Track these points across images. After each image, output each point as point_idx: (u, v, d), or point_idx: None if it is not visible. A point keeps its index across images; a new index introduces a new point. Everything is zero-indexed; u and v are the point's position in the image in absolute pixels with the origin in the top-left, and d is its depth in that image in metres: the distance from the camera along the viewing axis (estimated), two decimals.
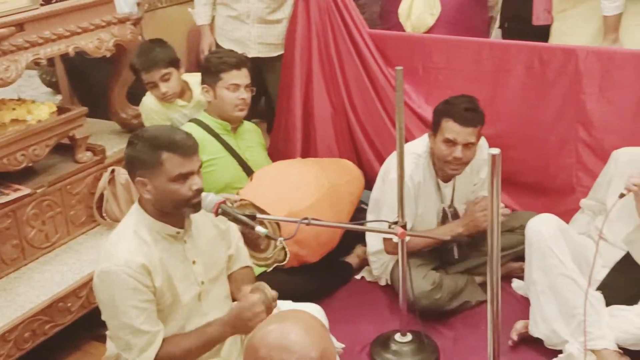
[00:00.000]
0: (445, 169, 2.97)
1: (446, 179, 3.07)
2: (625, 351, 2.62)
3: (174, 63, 3.34)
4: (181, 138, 2.10)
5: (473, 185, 3.17)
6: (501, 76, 3.28)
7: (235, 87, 3.13)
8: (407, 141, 2.78)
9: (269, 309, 2.10)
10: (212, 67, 3.15)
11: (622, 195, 2.55)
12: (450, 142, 2.87)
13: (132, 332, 2.06)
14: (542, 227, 2.73)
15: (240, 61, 3.17)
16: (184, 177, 2.09)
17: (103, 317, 2.15)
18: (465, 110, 2.86)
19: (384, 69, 3.52)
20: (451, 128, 2.85)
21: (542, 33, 3.52)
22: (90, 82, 3.65)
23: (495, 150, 1.63)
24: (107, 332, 2.20)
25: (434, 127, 2.94)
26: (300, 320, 1.48)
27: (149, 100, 3.40)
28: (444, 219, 3.09)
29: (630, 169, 2.69)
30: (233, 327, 2.12)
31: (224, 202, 2.15)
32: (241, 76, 3.14)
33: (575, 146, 3.20)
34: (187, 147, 2.09)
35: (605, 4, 3.20)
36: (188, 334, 2.16)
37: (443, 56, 3.40)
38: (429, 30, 3.69)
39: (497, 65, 3.28)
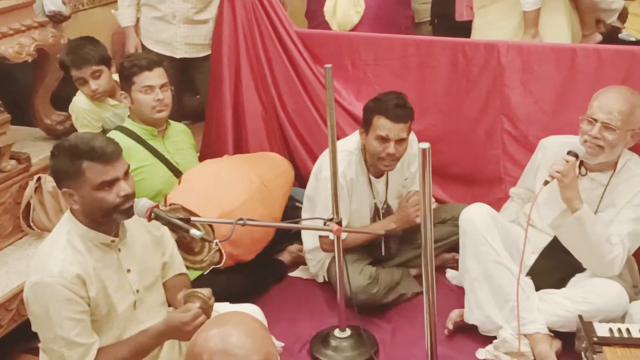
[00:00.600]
0: (378, 165, 3.01)
1: (378, 175, 3.11)
2: (555, 334, 2.72)
3: (105, 61, 3.28)
4: (101, 145, 2.05)
5: (404, 180, 3.22)
6: (427, 72, 3.34)
7: (150, 89, 3.06)
8: (338, 138, 2.81)
9: (207, 311, 2.09)
10: (125, 72, 3.07)
11: (546, 183, 2.63)
12: (383, 139, 2.91)
13: (66, 345, 2.01)
14: (475, 216, 2.79)
15: (151, 62, 3.08)
16: (108, 184, 2.04)
17: (35, 329, 2.08)
18: (396, 107, 2.90)
19: (312, 67, 3.54)
20: (383, 125, 2.89)
21: (469, 29, 3.61)
22: (12, 88, 3.52)
23: (425, 145, 1.67)
24: (40, 345, 2.14)
25: (365, 125, 2.97)
26: (241, 323, 1.47)
27: (80, 100, 3.31)
28: (376, 215, 3.13)
29: (556, 157, 2.78)
30: (170, 335, 2.11)
31: (157, 207, 2.12)
32: (154, 77, 3.06)
33: (501, 137, 3.29)
34: (107, 154, 2.04)
35: None
36: (122, 343, 2.13)
37: (371, 53, 3.44)
38: (354, 28, 3.72)
39: (423, 61, 3.34)
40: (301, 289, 3.27)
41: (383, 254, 3.11)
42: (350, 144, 3.05)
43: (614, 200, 2.76)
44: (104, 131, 3.25)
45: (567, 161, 2.63)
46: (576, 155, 2.66)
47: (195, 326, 2.02)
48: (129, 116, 3.18)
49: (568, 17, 3.43)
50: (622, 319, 2.63)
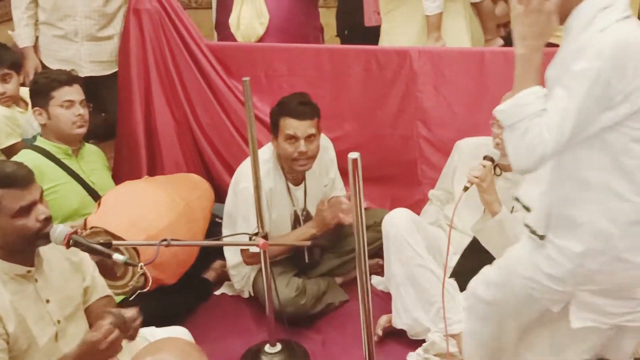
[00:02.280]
0: (294, 167, 2.99)
1: (297, 182, 3.10)
2: None
3: (16, 66, 3.23)
4: (13, 170, 1.96)
5: (324, 187, 3.22)
6: (342, 80, 3.37)
7: (70, 104, 2.97)
8: None
9: (124, 330, 2.00)
10: (41, 88, 2.98)
11: (466, 189, 2.68)
12: (292, 138, 2.91)
13: None
14: (397, 221, 2.82)
15: (71, 77, 3.03)
16: (27, 209, 1.95)
17: None
18: (299, 105, 2.93)
19: (226, 80, 3.49)
20: (289, 124, 2.90)
21: (377, 35, 3.64)
22: None
23: (355, 154, 1.65)
24: None
25: (274, 130, 2.97)
26: (175, 349, 1.42)
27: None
28: (297, 222, 3.12)
29: (472, 158, 2.85)
30: (87, 357, 1.99)
31: (75, 233, 2.02)
32: (74, 92, 2.99)
33: (417, 142, 3.35)
34: (21, 178, 1.95)
35: (426, 3, 3.33)
36: None
37: (284, 64, 3.43)
38: (261, 40, 3.67)
39: (338, 69, 3.36)
40: (228, 306, 3.20)
41: (307, 261, 3.10)
42: (265, 153, 3.03)
43: None
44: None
45: (484, 166, 2.69)
46: (492, 159, 2.73)
47: (109, 343, 1.94)
48: (41, 135, 3.06)
49: (468, 22, 3.52)
50: None
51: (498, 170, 2.87)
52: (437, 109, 3.27)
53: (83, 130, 3.04)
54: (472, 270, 2.86)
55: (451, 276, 2.89)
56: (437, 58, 3.20)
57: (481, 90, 3.16)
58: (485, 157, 2.73)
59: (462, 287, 2.83)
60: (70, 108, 2.97)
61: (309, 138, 2.94)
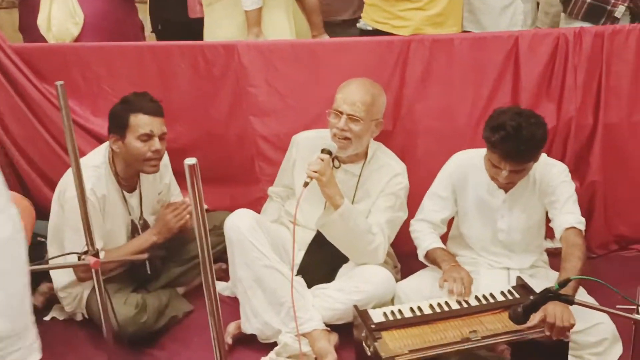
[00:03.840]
0: (145, 168, 2.83)
1: (130, 189, 2.92)
2: (333, 327, 2.74)
3: None
4: None
5: (158, 194, 3.06)
6: (169, 78, 3.21)
7: None
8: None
9: None
10: None
11: (306, 184, 2.65)
12: (147, 136, 2.76)
13: None
14: (238, 222, 2.72)
15: None
16: None
17: None
18: (151, 102, 2.79)
19: (39, 86, 3.19)
20: (143, 121, 2.75)
21: (199, 30, 3.50)
22: None
23: (192, 160, 1.53)
24: None
25: (119, 130, 2.77)
26: None
27: None
28: (135, 232, 2.94)
29: (310, 152, 2.82)
30: None
31: None
32: None
33: (253, 138, 3.26)
34: None
35: None
36: None
37: (103, 65, 3.20)
38: (76, 41, 3.41)
39: (162, 67, 3.19)
40: (59, 332, 2.95)
41: (149, 272, 2.93)
42: (96, 159, 2.83)
43: (368, 190, 2.87)
44: None
45: (322, 159, 2.66)
46: (330, 152, 2.71)
47: None
48: None
49: (290, 16, 3.49)
50: (392, 301, 2.73)
51: (337, 163, 2.86)
52: (270, 104, 3.19)
53: None
54: (318, 266, 2.86)
55: (298, 273, 2.85)
56: (268, 51, 3.13)
57: (315, 82, 3.13)
58: (323, 151, 2.71)
59: (310, 283, 2.81)
60: None
61: (162, 137, 2.80)
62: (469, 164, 2.76)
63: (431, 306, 2.51)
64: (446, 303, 2.52)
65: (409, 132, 3.18)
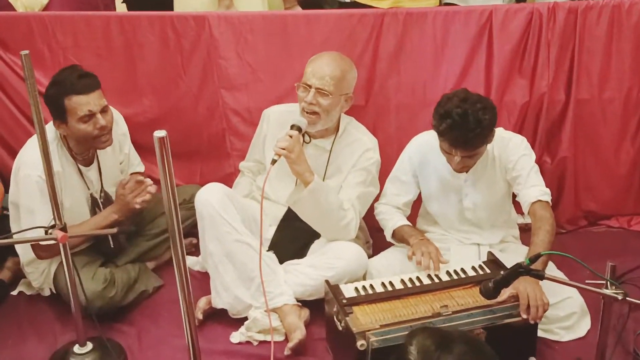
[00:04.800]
0: (96, 145, 2.73)
1: (87, 162, 2.84)
2: (304, 303, 2.73)
3: None
4: None
5: (120, 164, 3.00)
6: (136, 50, 3.13)
7: None
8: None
9: None
10: None
11: (274, 162, 2.62)
12: (88, 117, 2.63)
13: None
14: (210, 197, 2.69)
15: None
16: None
17: None
18: (80, 78, 2.64)
19: (3, 56, 3.10)
20: (79, 102, 2.61)
21: (170, 2, 3.42)
22: None
23: (162, 133, 1.50)
24: None
25: (58, 114, 2.65)
26: None
27: None
28: (96, 206, 2.87)
29: (280, 127, 2.79)
30: None
31: None
32: None
33: (224, 112, 3.21)
34: None
35: None
36: None
37: (69, 35, 3.11)
38: (46, 8, 3.32)
39: (130, 39, 3.12)
40: (26, 308, 2.91)
41: (112, 246, 2.89)
42: (47, 134, 2.72)
43: (340, 165, 2.85)
44: None
45: (291, 136, 2.63)
46: (299, 129, 2.68)
47: None
48: None
49: None
50: (364, 277, 2.73)
51: (307, 138, 2.83)
52: (241, 77, 3.14)
53: None
54: (289, 241, 2.85)
55: (269, 249, 2.83)
56: (238, 23, 3.07)
57: (285, 55, 3.08)
58: (292, 127, 2.69)
59: (282, 259, 2.80)
60: None
61: (104, 110, 2.68)
62: (428, 147, 2.75)
63: (402, 281, 2.52)
64: (417, 278, 2.53)
65: (382, 107, 3.16)
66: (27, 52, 2.16)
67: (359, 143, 2.85)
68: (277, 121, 2.89)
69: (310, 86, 2.70)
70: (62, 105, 2.62)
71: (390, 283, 2.51)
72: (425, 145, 2.77)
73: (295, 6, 3.55)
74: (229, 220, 2.67)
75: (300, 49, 2.98)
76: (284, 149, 2.61)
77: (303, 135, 2.79)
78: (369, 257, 2.82)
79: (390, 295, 2.45)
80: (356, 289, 2.49)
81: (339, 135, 2.86)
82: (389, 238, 2.82)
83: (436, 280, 2.52)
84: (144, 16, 3.11)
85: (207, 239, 2.70)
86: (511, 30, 3.04)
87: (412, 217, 2.90)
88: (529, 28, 3.04)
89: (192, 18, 3.08)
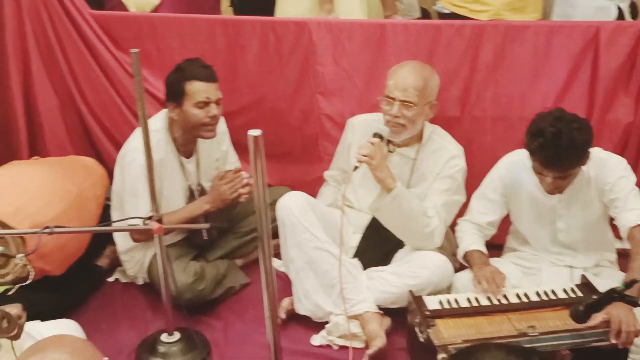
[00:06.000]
0: (202, 133, 2.85)
1: (188, 154, 2.95)
2: (386, 311, 2.73)
3: None
4: None
5: (216, 160, 3.09)
6: (237, 53, 3.21)
7: None
8: None
9: (8, 331, 1.83)
10: None
11: (355, 168, 2.64)
12: (204, 103, 2.78)
13: None
14: (291, 204, 2.73)
15: None
16: None
17: None
18: (204, 68, 2.80)
19: (114, 53, 3.25)
20: (199, 88, 2.76)
21: (270, 8, 3.49)
22: None
23: (256, 132, 1.54)
24: None
25: (176, 97, 2.80)
26: (63, 345, 1.30)
27: None
28: (191, 198, 2.97)
29: (365, 135, 2.79)
30: None
31: None
32: None
33: (318, 116, 3.24)
34: None
35: None
36: None
37: (175, 36, 3.22)
38: (156, 9, 3.47)
39: (232, 42, 3.20)
40: (121, 295, 3.05)
41: (205, 237, 2.97)
42: (155, 124, 2.85)
43: (424, 173, 2.83)
44: None
45: (373, 143, 2.64)
46: (381, 136, 2.69)
47: None
48: None
49: None
50: (448, 290, 2.70)
51: (391, 147, 2.83)
52: (337, 83, 3.17)
53: None
54: (374, 249, 2.85)
55: (355, 256, 2.84)
56: (337, 30, 3.10)
57: (382, 63, 3.08)
58: (374, 135, 2.69)
59: (366, 266, 2.81)
60: None
61: (218, 102, 2.82)
62: (520, 166, 2.66)
63: (489, 298, 2.47)
64: (504, 296, 2.47)
65: (477, 119, 3.11)
66: (137, 50, 2.27)
67: (444, 151, 2.83)
68: (362, 130, 2.90)
69: (393, 99, 2.69)
70: (182, 88, 2.76)
71: (476, 299, 2.47)
72: (517, 163, 2.69)
73: (395, 15, 3.56)
74: (309, 228, 2.70)
75: (397, 58, 2.97)
76: (365, 155, 2.61)
77: (387, 144, 2.80)
78: (456, 270, 2.78)
79: (475, 311, 2.41)
80: (440, 301, 2.46)
81: (424, 143, 2.84)
82: (460, 258, 2.76)
83: (524, 300, 2.47)
84: (247, 20, 3.19)
85: (289, 246, 2.75)
86: (619, 48, 2.93)
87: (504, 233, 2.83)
88: (637, 46, 2.92)
89: (292, 23, 3.14)
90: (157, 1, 3.46)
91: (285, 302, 2.83)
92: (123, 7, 3.46)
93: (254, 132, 1.54)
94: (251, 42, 3.18)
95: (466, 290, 2.58)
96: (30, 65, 3.26)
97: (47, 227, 2.04)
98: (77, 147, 3.39)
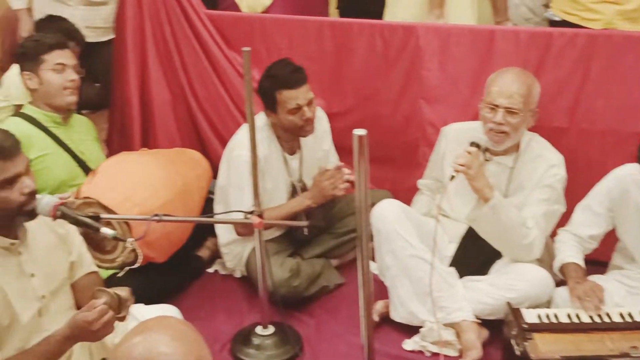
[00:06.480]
0: (300, 133, 2.93)
1: (292, 151, 3.02)
2: (482, 322, 2.68)
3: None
4: None
5: (317, 159, 3.14)
6: (344, 55, 3.25)
7: (62, 67, 2.86)
8: None
9: (117, 310, 1.91)
10: (30, 51, 2.86)
11: (452, 178, 2.60)
12: (296, 109, 2.84)
13: None
14: (385, 211, 2.73)
15: (61, 41, 2.91)
16: (9, 182, 1.84)
17: None
18: (292, 73, 2.84)
19: (225, 51, 3.36)
20: (289, 96, 2.82)
21: (377, 11, 3.51)
22: None
23: (362, 131, 1.56)
24: None
25: (269, 105, 2.88)
26: (168, 328, 1.31)
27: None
28: (293, 194, 3.03)
29: (459, 144, 2.75)
30: (77, 338, 1.91)
31: (62, 204, 1.92)
32: (66, 56, 2.88)
33: (420, 121, 3.23)
34: (6, 149, 1.84)
35: None
36: (23, 354, 1.91)
37: (284, 36, 3.30)
38: (267, 10, 3.58)
39: (340, 44, 3.24)
40: (219, 286, 3.13)
41: (306, 233, 3.02)
42: (259, 121, 2.93)
43: (522, 182, 2.76)
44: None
45: (470, 152, 2.60)
46: (478, 146, 2.65)
47: (102, 324, 1.85)
48: (30, 102, 2.94)
49: (474, 1, 3.40)
50: (548, 304, 2.62)
51: (488, 155, 2.78)
52: (442, 88, 3.15)
53: (74, 99, 2.92)
54: (471, 259, 2.81)
55: (451, 265, 2.81)
56: (445, 35, 3.08)
57: (489, 70, 3.00)
58: (471, 144, 2.65)
59: (462, 275, 2.76)
60: (62, 72, 2.86)
61: (310, 102, 2.87)
62: (631, 180, 2.55)
63: (590, 315, 2.39)
64: (607, 314, 2.39)
65: (585, 131, 3.01)
66: (248, 49, 2.34)
67: (543, 159, 2.75)
68: (456, 138, 2.86)
69: (497, 106, 2.64)
70: (273, 97, 2.84)
71: (577, 315, 2.40)
72: (627, 177, 2.58)
73: (506, 21, 3.50)
74: (405, 236, 2.69)
75: (505, 65, 2.91)
76: (462, 165, 2.58)
77: (484, 153, 2.75)
78: (557, 284, 2.69)
79: (575, 327, 2.34)
80: (539, 315, 2.40)
81: (521, 151, 2.77)
82: (556, 270, 2.66)
83: (627, 319, 2.37)
84: (355, 23, 3.22)
85: (383, 252, 2.75)
86: None
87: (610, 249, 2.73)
88: None
89: (401, 28, 3.14)
90: (269, 2, 3.55)
91: (378, 305, 2.83)
92: (236, 8, 3.59)
93: (359, 132, 1.56)
94: (358, 45, 3.21)
95: (567, 305, 2.51)
96: (147, 60, 3.43)
97: (156, 215, 2.12)
98: (184, 139, 3.52)
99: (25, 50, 2.89)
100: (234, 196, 2.88)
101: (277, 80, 2.84)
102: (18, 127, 2.69)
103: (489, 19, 3.51)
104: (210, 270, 3.22)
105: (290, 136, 2.98)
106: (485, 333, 2.67)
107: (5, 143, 1.85)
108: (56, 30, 3.13)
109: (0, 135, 1.87)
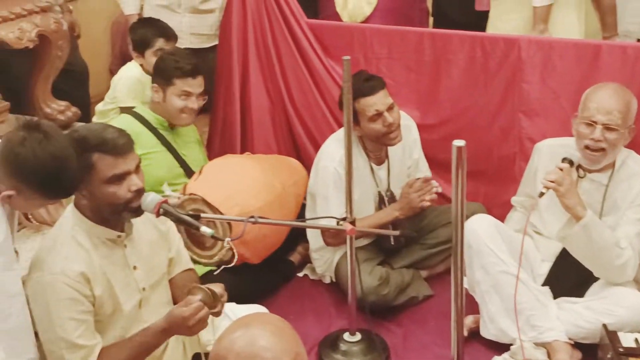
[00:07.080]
0: (387, 141, 2.93)
1: (379, 162, 3.03)
2: (575, 345, 2.61)
3: None
4: (112, 137, 1.95)
5: (407, 168, 3.13)
6: (443, 66, 3.24)
7: (187, 96, 2.97)
8: None
9: (212, 307, 1.98)
10: (166, 70, 2.97)
11: (541, 194, 2.53)
12: (377, 116, 2.85)
13: (67, 347, 1.90)
14: (477, 227, 2.70)
15: (197, 69, 3.00)
16: (119, 178, 1.95)
17: (36, 329, 1.97)
18: (366, 81, 2.86)
19: (323, 60, 3.42)
20: (367, 104, 2.84)
21: (470, 22, 3.48)
22: (9, 76, 3.38)
23: (461, 142, 1.56)
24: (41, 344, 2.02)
25: (353, 116, 2.87)
26: (267, 324, 1.37)
27: (136, 71, 3.33)
28: (380, 204, 3.04)
29: (552, 161, 2.69)
30: (173, 331, 2.00)
31: (165, 202, 2.01)
32: (195, 85, 2.98)
33: (518, 135, 3.17)
34: (119, 146, 1.95)
35: None
36: (123, 343, 2.02)
37: (384, 46, 3.32)
38: (366, 20, 3.60)
39: (439, 54, 3.23)
40: (308, 290, 3.17)
41: (392, 243, 3.02)
42: (341, 133, 2.94)
43: (616, 201, 2.67)
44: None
45: (561, 169, 2.54)
46: (571, 162, 2.58)
47: (197, 320, 1.92)
48: (147, 104, 3.10)
49: (581, 16, 3.34)
50: None
51: (581, 172, 2.70)
52: (542, 102, 3.08)
53: (189, 121, 3.05)
54: (566, 279, 2.74)
55: (544, 284, 2.75)
56: (549, 48, 3.02)
57: (592, 85, 2.94)
58: (564, 160, 2.58)
59: (556, 295, 2.70)
60: (186, 99, 2.98)
61: (391, 108, 2.88)
62: None
63: None
64: None
65: None
66: (348, 57, 2.38)
67: (639, 177, 2.66)
68: (549, 155, 2.79)
69: (595, 122, 2.57)
70: (353, 108, 2.83)
71: None
72: None
73: (615, 36, 3.40)
74: (496, 251, 2.65)
75: (610, 81, 2.84)
76: (552, 181, 2.51)
77: (577, 169, 2.68)
78: None
79: None
80: (637, 339, 2.33)
81: (617, 169, 2.68)
82: None
83: None
84: (455, 35, 3.20)
85: (474, 268, 2.71)
86: None
87: None
88: None
89: (502, 40, 3.10)
90: (369, 12, 3.59)
91: (469, 319, 2.80)
92: (336, 17, 3.63)
93: (458, 143, 1.56)
94: (458, 56, 3.19)
95: None
96: (248, 67, 3.52)
97: (252, 217, 2.19)
98: (280, 145, 3.59)
99: (163, 67, 2.99)
100: (320, 205, 2.93)
101: (355, 89, 2.82)
102: (129, 125, 2.83)
103: (595, 34, 3.43)
104: (300, 274, 3.27)
105: (378, 146, 2.99)
106: (577, 355, 2.60)
107: (119, 140, 1.95)
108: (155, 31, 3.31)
109: (115, 132, 1.97)
